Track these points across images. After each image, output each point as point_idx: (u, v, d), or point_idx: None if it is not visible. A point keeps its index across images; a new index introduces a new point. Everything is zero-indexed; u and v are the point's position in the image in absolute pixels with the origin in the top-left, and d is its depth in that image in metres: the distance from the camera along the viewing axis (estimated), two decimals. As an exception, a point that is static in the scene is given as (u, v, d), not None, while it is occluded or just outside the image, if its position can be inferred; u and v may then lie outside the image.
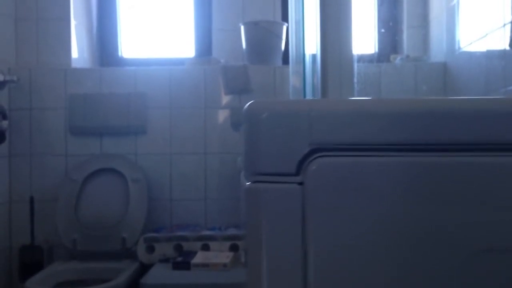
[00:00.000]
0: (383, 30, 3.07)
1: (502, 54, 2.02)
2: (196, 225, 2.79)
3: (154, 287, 2.33)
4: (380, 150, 0.58)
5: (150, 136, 2.83)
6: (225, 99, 2.83)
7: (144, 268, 2.52)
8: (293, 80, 2.15)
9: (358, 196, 0.56)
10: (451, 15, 2.60)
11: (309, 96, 1.37)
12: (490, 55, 2.16)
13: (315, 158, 0.55)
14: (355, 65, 1.15)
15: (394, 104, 0.62)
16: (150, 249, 2.58)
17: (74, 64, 2.92)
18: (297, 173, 0.55)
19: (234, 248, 2.54)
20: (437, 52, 2.86)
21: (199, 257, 2.45)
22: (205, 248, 2.55)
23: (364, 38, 3.05)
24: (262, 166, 0.55)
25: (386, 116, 0.58)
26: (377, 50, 3.08)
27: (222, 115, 2.83)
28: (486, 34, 2.16)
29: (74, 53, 2.95)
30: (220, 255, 2.48)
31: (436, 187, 0.59)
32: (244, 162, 0.60)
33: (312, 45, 1.30)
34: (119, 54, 3.22)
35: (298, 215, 0.55)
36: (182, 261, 2.41)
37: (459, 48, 2.54)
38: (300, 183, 0.55)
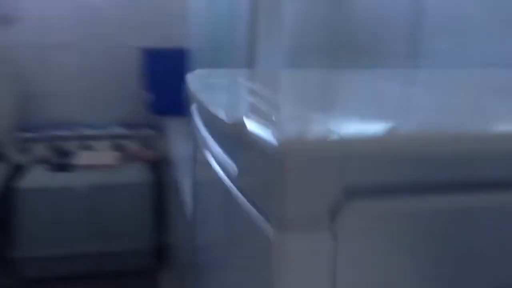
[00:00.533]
0: None
1: None
2: (77, 123, 2.55)
3: (32, 192, 2.13)
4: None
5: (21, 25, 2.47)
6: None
7: (19, 172, 2.28)
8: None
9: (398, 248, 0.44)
10: None
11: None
12: None
13: (350, 203, 0.41)
14: None
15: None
16: (24, 150, 2.34)
17: None
18: (330, 221, 0.41)
19: (119, 148, 2.38)
20: None
21: (83, 158, 2.26)
22: (87, 148, 2.36)
23: None
24: (289, 213, 0.40)
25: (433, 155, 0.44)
26: None
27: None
28: None
29: None
30: (104, 155, 2.31)
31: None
32: (267, 205, 0.44)
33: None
34: None
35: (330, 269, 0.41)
36: (63, 163, 2.21)
37: None
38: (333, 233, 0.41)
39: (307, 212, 0.42)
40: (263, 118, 0.52)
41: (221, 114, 0.57)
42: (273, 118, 0.53)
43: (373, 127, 0.51)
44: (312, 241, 0.42)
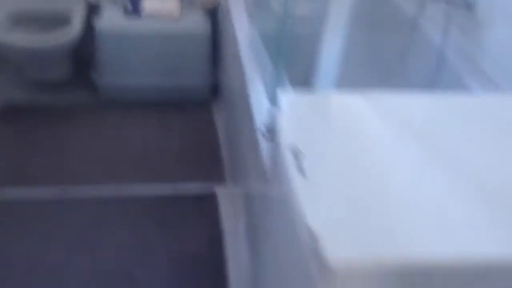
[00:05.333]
0: None
1: None
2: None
3: (109, 34, 2.48)
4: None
5: None
6: None
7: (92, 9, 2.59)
8: None
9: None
10: None
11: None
12: None
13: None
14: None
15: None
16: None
17: None
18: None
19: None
20: None
21: (147, 5, 2.52)
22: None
23: None
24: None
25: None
26: None
27: None
28: None
29: None
30: (166, 3, 2.56)
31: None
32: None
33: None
34: None
35: None
36: (133, 9, 2.50)
37: None
38: None
39: None
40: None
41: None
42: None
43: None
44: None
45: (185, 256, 1.94)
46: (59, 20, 2.51)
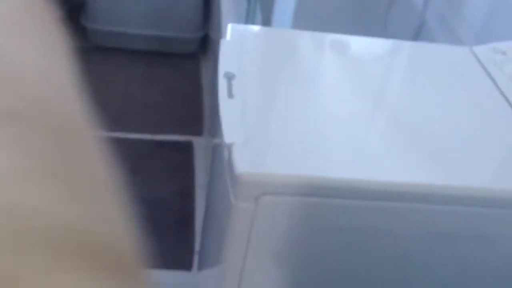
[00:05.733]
0: None
1: None
2: None
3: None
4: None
5: None
6: None
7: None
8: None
9: None
10: None
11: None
12: None
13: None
14: None
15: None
16: None
17: None
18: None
19: None
20: None
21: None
22: None
23: None
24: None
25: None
26: None
27: None
28: None
29: None
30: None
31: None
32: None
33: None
34: None
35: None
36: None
37: None
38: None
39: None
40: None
41: None
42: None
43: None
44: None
45: (156, 203, 1.97)
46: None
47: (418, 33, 1.93)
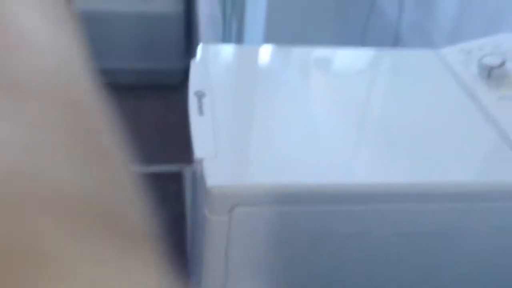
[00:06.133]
0: None
1: None
2: None
3: (80, 13, 2.52)
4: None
5: None
6: None
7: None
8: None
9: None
10: None
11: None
12: None
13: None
14: None
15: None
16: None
17: None
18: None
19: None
20: None
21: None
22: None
23: None
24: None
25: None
26: None
27: None
28: None
29: None
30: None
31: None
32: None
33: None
34: None
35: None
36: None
37: None
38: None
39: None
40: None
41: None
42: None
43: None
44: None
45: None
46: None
47: (396, 41, 1.96)
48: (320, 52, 1.18)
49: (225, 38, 1.40)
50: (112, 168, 0.20)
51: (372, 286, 0.92)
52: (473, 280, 0.94)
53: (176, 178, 2.20)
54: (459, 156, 0.91)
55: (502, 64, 1.08)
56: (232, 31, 1.40)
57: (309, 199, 0.83)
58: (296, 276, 0.90)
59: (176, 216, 1.99)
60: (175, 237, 1.93)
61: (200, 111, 0.94)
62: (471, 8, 1.57)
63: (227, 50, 1.17)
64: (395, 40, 1.98)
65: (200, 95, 0.98)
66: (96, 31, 2.56)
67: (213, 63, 1.09)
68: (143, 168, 2.25)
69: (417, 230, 0.87)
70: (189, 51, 2.70)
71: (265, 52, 1.15)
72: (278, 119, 0.96)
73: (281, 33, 1.49)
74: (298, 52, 1.16)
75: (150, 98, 2.67)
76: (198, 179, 0.88)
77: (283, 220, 0.84)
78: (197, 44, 2.48)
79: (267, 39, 1.41)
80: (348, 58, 1.19)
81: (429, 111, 1.01)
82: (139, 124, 2.50)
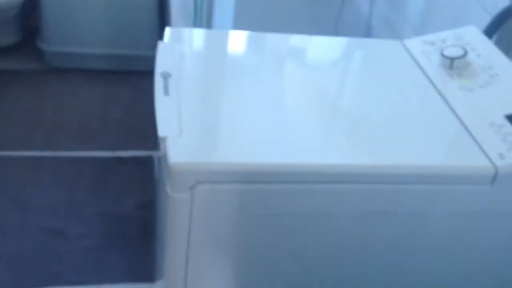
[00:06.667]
0: None
1: None
2: None
3: (54, -1, 2.50)
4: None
5: None
6: None
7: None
8: None
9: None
10: None
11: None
12: None
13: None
14: None
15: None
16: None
17: None
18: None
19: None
20: None
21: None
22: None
23: None
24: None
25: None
26: None
27: None
28: None
29: None
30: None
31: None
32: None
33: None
34: None
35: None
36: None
37: None
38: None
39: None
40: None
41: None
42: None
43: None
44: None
45: (118, 217, 1.97)
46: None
47: (367, 34, 1.99)
48: (291, 38, 1.20)
49: (196, 25, 1.40)
50: None
51: (332, 266, 0.94)
52: (431, 262, 0.97)
53: (147, 163, 2.21)
54: (420, 140, 0.94)
55: (464, 55, 1.11)
56: (203, 18, 1.41)
57: (270, 178, 0.85)
58: (257, 255, 0.92)
59: (145, 201, 2.00)
60: (144, 222, 1.94)
61: (166, 92, 0.95)
62: (438, 4, 1.60)
63: (195, 34, 1.18)
64: (366, 33, 2.01)
65: (165, 76, 0.99)
66: (70, 16, 2.54)
67: (180, 45, 1.10)
68: (113, 153, 2.24)
69: (379, 210, 0.90)
70: (161, 38, 2.69)
71: (234, 37, 1.16)
72: (244, 101, 0.98)
73: (251, 22, 1.50)
74: (268, 38, 1.18)
75: (122, 84, 2.66)
76: (162, 159, 0.89)
77: (244, 198, 0.85)
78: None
79: (237, 26, 1.42)
80: (318, 45, 1.21)
81: (393, 99, 1.04)
82: (110, 109, 2.49)
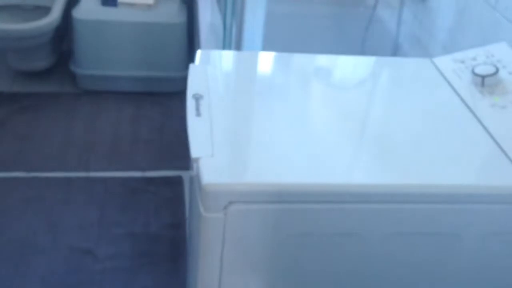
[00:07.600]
0: None
1: None
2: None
3: (85, 22, 2.57)
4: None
5: None
6: None
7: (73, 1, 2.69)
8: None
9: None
10: None
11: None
12: None
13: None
14: None
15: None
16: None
17: None
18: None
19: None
20: None
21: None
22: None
23: None
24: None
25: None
26: None
27: None
28: None
29: None
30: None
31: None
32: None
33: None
34: None
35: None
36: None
37: None
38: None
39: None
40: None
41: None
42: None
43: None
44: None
45: (147, 236, 1.98)
46: (41, 11, 2.60)
47: (394, 52, 1.99)
48: (318, 58, 1.21)
49: (225, 46, 1.43)
50: None
51: (365, 286, 0.93)
52: (466, 282, 0.95)
53: (176, 182, 2.23)
54: (453, 159, 0.93)
55: (495, 72, 1.10)
56: (232, 39, 1.43)
57: (302, 198, 0.85)
58: (290, 274, 0.91)
59: (175, 221, 2.01)
60: (173, 243, 1.95)
61: (198, 113, 0.96)
62: (466, 21, 1.60)
63: (226, 55, 1.20)
64: (393, 52, 2.00)
65: (197, 97, 1.00)
66: (101, 40, 2.60)
67: (211, 67, 1.12)
68: (143, 173, 2.27)
69: (412, 231, 0.89)
70: (191, 60, 2.73)
71: (263, 58, 1.18)
72: (274, 122, 0.99)
73: (279, 42, 1.52)
74: (296, 58, 1.19)
75: (152, 105, 2.70)
76: (194, 179, 0.90)
77: (277, 218, 0.86)
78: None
79: (266, 47, 1.44)
80: (346, 65, 1.22)
81: (424, 117, 1.04)
82: (139, 130, 2.53)
